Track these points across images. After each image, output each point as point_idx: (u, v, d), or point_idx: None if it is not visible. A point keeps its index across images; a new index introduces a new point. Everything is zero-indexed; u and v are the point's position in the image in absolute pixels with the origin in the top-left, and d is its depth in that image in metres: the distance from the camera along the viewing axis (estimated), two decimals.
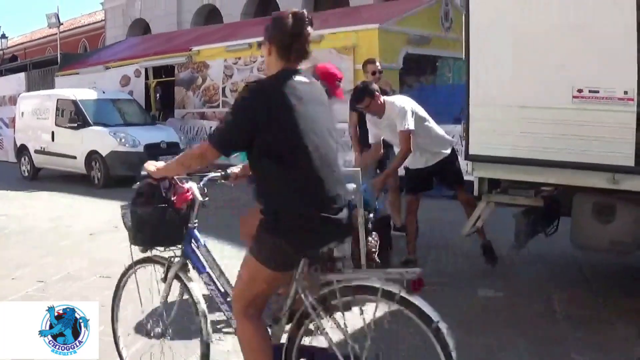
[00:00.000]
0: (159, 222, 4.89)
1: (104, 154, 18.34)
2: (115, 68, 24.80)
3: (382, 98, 8.29)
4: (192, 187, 5.05)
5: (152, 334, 5.30)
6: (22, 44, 58.00)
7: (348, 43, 17.75)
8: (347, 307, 4.25)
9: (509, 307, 7.39)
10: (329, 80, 7.26)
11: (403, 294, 3.98)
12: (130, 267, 5.35)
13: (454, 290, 7.99)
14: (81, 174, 19.04)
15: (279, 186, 4.06)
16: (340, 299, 4.16)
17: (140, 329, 5.70)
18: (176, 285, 5.16)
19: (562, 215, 7.84)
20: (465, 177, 8.80)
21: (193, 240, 5.09)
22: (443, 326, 3.88)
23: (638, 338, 6.26)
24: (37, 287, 8.25)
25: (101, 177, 18.48)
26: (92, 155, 18.67)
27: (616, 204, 6.71)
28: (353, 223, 4.94)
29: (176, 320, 5.26)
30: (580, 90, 6.47)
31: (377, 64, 10.54)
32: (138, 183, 5.10)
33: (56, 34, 36.49)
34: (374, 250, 7.57)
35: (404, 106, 8.19)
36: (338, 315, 4.24)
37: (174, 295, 5.24)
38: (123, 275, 5.48)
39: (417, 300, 3.98)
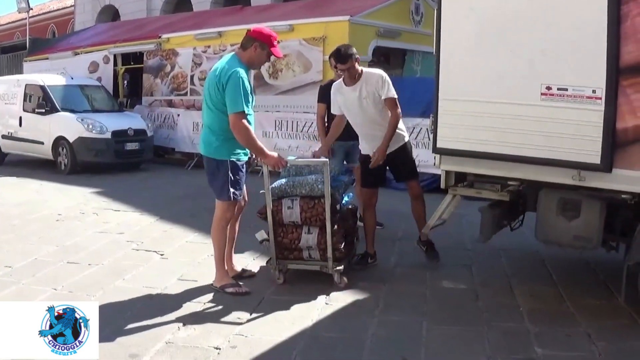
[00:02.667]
0: None
1: (71, 140, 18.16)
2: (84, 54, 24.57)
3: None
4: None
5: None
6: None
7: (318, 34, 17.70)
8: None
9: (472, 299, 7.46)
10: (266, 40, 7.49)
11: None
12: None
13: (419, 281, 8.06)
14: (48, 160, 18.91)
15: None
16: None
17: None
18: None
19: (528, 210, 7.91)
20: (433, 170, 8.81)
21: None
22: None
23: (600, 333, 6.34)
24: (4, 272, 8.23)
25: (68, 163, 18.29)
26: (59, 141, 18.49)
27: (581, 200, 6.79)
28: None
29: None
30: (549, 88, 6.54)
31: None
32: None
33: (25, 18, 36.07)
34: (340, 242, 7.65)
35: (386, 76, 8.27)
36: None
37: None
38: None
39: None
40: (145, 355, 5.85)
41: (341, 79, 8.53)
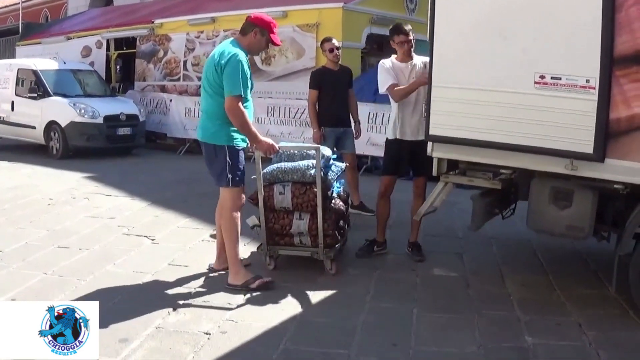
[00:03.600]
0: None
1: (63, 125, 18.11)
2: (76, 39, 24.53)
3: None
4: None
5: None
6: None
7: (311, 21, 17.71)
8: None
9: (463, 287, 7.47)
10: (266, 26, 7.39)
11: None
12: None
13: (410, 269, 8.07)
14: (40, 145, 18.86)
15: None
16: None
17: None
18: None
19: (520, 199, 7.90)
20: None
21: None
22: None
23: (591, 322, 6.36)
24: None
25: (60, 147, 18.24)
26: (51, 126, 18.43)
27: (574, 189, 6.78)
28: None
29: None
30: (542, 77, 6.52)
31: (334, 41, 10.53)
32: None
33: (18, 3, 35.98)
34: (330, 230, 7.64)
35: None
36: None
37: None
38: None
39: None
40: (135, 340, 5.85)
41: (392, 57, 8.42)
